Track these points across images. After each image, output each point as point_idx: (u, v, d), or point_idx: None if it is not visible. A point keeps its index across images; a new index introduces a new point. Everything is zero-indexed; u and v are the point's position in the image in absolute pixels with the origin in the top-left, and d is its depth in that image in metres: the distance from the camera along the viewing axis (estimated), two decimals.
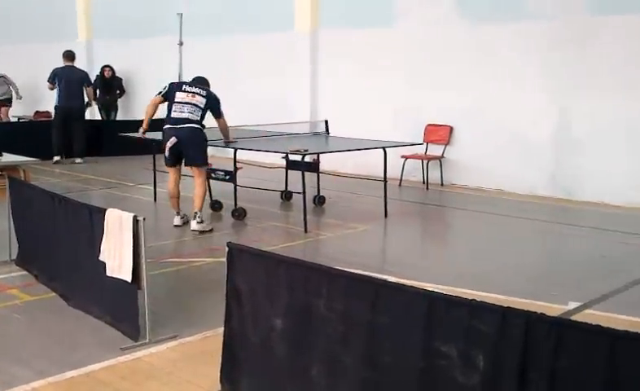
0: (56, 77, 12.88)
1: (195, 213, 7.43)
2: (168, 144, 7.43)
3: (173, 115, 7.46)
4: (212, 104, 7.56)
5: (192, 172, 7.63)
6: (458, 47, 10.41)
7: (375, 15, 11.27)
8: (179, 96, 7.48)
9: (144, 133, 7.96)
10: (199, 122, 7.46)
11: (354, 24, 11.51)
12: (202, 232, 7.40)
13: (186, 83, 7.81)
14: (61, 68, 12.98)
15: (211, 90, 7.67)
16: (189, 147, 7.43)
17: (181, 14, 13.48)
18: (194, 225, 7.42)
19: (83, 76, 13.11)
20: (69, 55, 13.05)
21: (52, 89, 13.12)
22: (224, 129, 7.88)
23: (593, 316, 4.87)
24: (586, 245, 7.22)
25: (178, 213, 7.77)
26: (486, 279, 5.77)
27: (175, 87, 7.71)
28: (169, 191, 7.78)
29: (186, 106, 7.42)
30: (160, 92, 7.73)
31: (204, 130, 7.57)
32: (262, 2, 12.74)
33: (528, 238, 7.65)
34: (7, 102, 16.03)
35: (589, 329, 2.40)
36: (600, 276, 6.00)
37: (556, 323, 2.50)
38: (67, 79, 12.78)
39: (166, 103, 7.61)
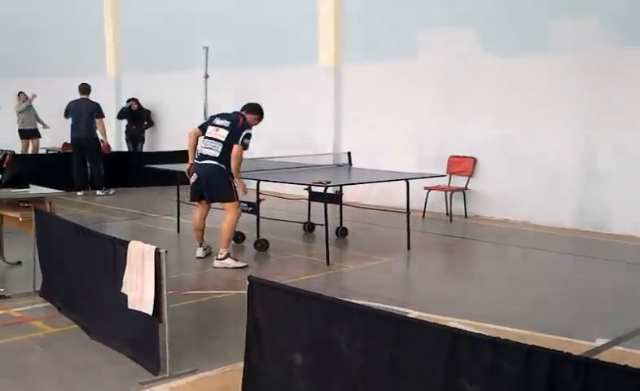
0: (70, 111, 12.91)
1: (219, 250, 7.36)
2: (192, 180, 7.48)
3: (200, 150, 7.47)
4: (233, 133, 7.28)
5: (222, 207, 7.54)
6: (480, 79, 10.39)
7: (398, 48, 11.31)
8: (208, 130, 7.44)
9: (190, 169, 7.59)
10: (219, 158, 7.27)
11: (377, 56, 11.56)
12: (226, 269, 7.23)
13: (218, 116, 7.62)
14: (74, 101, 12.98)
15: (242, 119, 7.40)
16: (207, 185, 7.38)
17: (207, 47, 13.68)
18: (215, 262, 7.35)
19: (94, 108, 12.86)
20: (84, 88, 13.02)
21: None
22: (233, 157, 7.24)
23: (622, 353, 4.76)
24: (614, 279, 7.07)
25: (201, 245, 7.75)
26: (511, 314, 5.66)
27: (209, 120, 7.69)
28: (194, 223, 7.76)
29: (209, 141, 7.36)
30: (201, 124, 7.77)
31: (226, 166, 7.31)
32: (287, 36, 12.86)
33: (554, 271, 7.52)
34: (36, 133, 16.30)
35: (617, 369, 2.32)
36: (629, 311, 5.87)
37: (583, 363, 2.43)
38: (78, 111, 12.76)
39: None
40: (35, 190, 6.41)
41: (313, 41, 12.41)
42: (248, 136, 7.32)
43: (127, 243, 4.50)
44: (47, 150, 16.75)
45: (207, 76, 13.81)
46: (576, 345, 4.87)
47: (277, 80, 12.89)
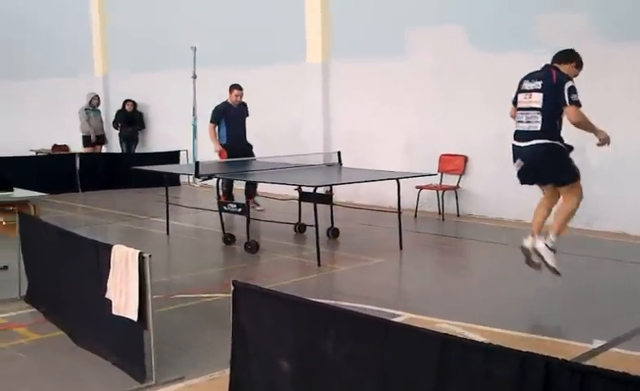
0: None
1: (549, 235, 6.05)
2: (516, 167, 5.98)
3: (516, 126, 5.99)
4: (551, 93, 5.74)
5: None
6: (470, 76, 10.31)
7: (387, 45, 11.21)
8: (519, 99, 6.00)
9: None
10: (542, 132, 5.77)
11: (366, 55, 11.46)
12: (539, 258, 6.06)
13: (525, 78, 6.01)
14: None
15: (555, 72, 5.87)
16: (536, 169, 5.93)
17: (195, 47, 13.52)
18: (538, 243, 6.03)
19: None
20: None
21: None
22: (574, 122, 5.84)
23: (619, 355, 4.68)
24: (609, 278, 6.99)
25: (533, 235, 6.14)
26: (505, 315, 5.59)
27: (518, 87, 6.07)
28: (536, 210, 6.27)
29: (524, 114, 5.89)
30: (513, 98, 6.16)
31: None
32: (274, 35, 12.75)
33: (548, 271, 7.44)
34: (103, 139, 15.62)
35: (614, 377, 2.24)
36: (625, 312, 5.77)
37: (578, 371, 2.35)
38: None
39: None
40: (19, 193, 6.29)
41: (302, 39, 12.30)
42: (573, 90, 5.69)
43: (110, 246, 4.40)
44: (37, 152, 16.60)
45: (195, 77, 13.66)
46: (573, 347, 4.81)
47: (265, 78, 12.77)
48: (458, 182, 10.47)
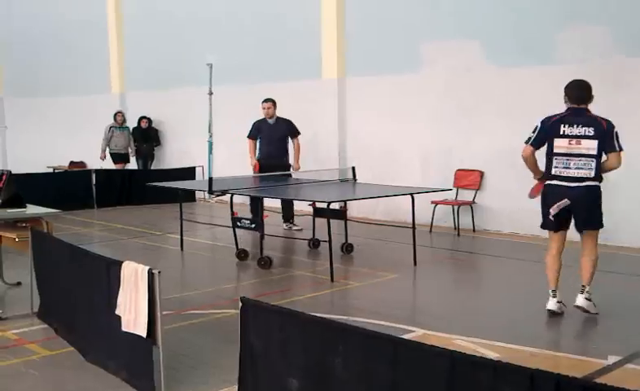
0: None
1: (586, 287, 5.93)
2: (557, 206, 5.81)
3: (561, 172, 5.82)
4: (603, 141, 5.71)
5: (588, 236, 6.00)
6: (486, 92, 10.26)
7: (402, 61, 11.20)
8: (560, 144, 5.84)
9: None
10: (595, 177, 5.75)
11: (381, 70, 11.44)
12: (585, 311, 5.90)
13: (562, 122, 5.87)
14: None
15: (603, 122, 5.79)
16: (583, 210, 5.82)
17: (211, 64, 13.62)
18: (581, 300, 5.89)
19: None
20: None
21: None
22: (616, 166, 5.88)
23: (634, 371, 4.59)
24: (626, 294, 6.89)
25: (555, 292, 6.01)
26: (520, 331, 5.50)
27: (550, 131, 5.91)
28: (548, 261, 6.11)
29: (573, 160, 5.77)
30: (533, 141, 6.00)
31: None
32: (289, 51, 12.78)
33: (564, 286, 7.32)
34: (127, 158, 15.33)
35: None
36: None
37: (590, 388, 2.28)
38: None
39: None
40: (32, 210, 6.31)
41: (317, 56, 12.32)
42: (618, 135, 5.79)
43: (120, 263, 4.39)
44: (54, 168, 16.74)
45: (211, 93, 13.75)
46: (587, 363, 4.72)
47: (281, 95, 12.77)
48: (474, 197, 10.38)
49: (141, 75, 16.20)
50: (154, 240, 10.14)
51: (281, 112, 10.66)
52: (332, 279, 7.28)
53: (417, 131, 11.05)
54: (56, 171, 16.45)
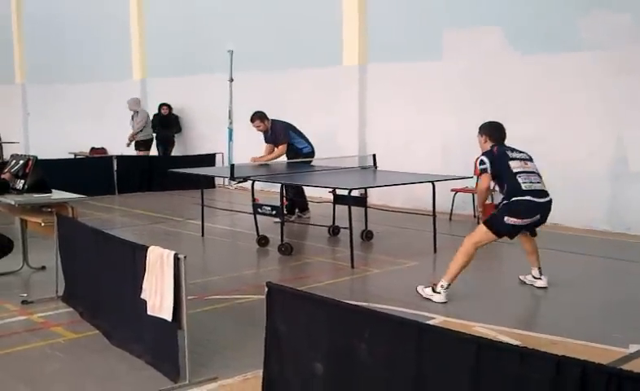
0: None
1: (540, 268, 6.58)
2: (525, 221, 6.16)
3: (531, 186, 6.17)
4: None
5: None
6: (507, 79, 10.19)
7: (424, 48, 11.15)
8: (516, 165, 6.27)
9: None
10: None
11: (402, 57, 11.40)
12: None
13: (510, 149, 6.43)
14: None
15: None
16: (542, 221, 6.34)
17: (232, 51, 13.65)
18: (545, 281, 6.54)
19: None
20: None
21: None
22: None
23: None
24: None
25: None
26: (542, 319, 5.51)
27: (502, 157, 6.30)
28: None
29: (531, 176, 6.24)
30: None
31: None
32: (310, 38, 12.77)
33: (585, 275, 7.32)
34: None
35: None
36: None
37: (616, 375, 2.29)
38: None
39: None
40: (57, 195, 6.39)
41: (338, 43, 12.29)
42: None
43: (146, 248, 4.44)
44: (75, 154, 16.90)
45: (232, 80, 13.78)
46: (609, 352, 4.71)
47: (301, 82, 12.81)
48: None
49: (162, 61, 16.26)
50: (175, 226, 10.22)
51: (301, 99, 10.64)
52: (352, 266, 7.31)
53: (438, 118, 11.01)
54: (78, 157, 16.60)
